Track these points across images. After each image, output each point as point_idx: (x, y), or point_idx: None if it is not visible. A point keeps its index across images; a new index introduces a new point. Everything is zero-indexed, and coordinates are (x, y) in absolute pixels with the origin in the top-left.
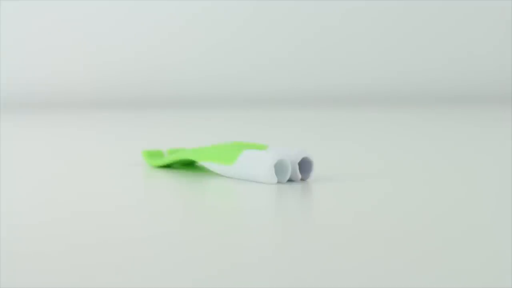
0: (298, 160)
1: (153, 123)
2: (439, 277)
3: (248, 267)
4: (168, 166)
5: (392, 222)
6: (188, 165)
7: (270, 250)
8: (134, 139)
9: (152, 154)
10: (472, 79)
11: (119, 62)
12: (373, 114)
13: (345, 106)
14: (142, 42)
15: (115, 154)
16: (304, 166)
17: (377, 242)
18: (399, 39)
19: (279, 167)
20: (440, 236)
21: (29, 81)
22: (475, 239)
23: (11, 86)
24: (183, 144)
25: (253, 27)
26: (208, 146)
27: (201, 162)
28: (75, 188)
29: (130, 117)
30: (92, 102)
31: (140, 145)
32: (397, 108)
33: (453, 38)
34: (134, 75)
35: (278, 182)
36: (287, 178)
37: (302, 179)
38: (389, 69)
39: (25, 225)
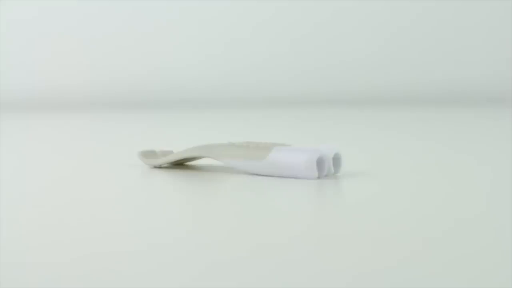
0: (332, 155)
1: (152, 123)
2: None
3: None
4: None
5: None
6: (179, 164)
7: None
8: (134, 139)
9: (147, 155)
10: (471, 80)
11: (118, 63)
12: (372, 114)
13: (348, 106)
14: (140, 44)
15: (113, 154)
16: (334, 161)
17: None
18: (400, 40)
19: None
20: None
21: (28, 82)
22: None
23: (11, 87)
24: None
25: (256, 28)
26: (216, 144)
27: (225, 160)
28: (80, 188)
29: (129, 117)
30: (91, 103)
31: (140, 144)
32: (395, 108)
33: (453, 38)
34: (134, 76)
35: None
36: (325, 173)
37: (334, 173)
38: (390, 70)
39: (25, 226)
